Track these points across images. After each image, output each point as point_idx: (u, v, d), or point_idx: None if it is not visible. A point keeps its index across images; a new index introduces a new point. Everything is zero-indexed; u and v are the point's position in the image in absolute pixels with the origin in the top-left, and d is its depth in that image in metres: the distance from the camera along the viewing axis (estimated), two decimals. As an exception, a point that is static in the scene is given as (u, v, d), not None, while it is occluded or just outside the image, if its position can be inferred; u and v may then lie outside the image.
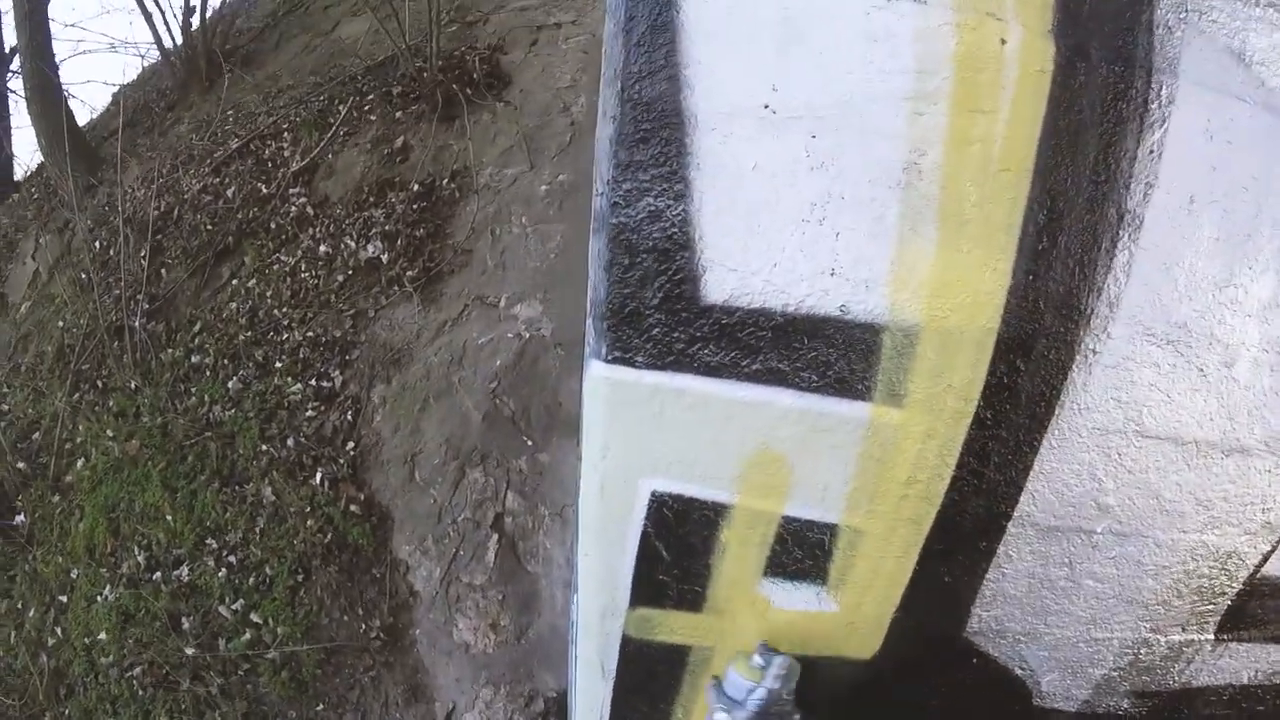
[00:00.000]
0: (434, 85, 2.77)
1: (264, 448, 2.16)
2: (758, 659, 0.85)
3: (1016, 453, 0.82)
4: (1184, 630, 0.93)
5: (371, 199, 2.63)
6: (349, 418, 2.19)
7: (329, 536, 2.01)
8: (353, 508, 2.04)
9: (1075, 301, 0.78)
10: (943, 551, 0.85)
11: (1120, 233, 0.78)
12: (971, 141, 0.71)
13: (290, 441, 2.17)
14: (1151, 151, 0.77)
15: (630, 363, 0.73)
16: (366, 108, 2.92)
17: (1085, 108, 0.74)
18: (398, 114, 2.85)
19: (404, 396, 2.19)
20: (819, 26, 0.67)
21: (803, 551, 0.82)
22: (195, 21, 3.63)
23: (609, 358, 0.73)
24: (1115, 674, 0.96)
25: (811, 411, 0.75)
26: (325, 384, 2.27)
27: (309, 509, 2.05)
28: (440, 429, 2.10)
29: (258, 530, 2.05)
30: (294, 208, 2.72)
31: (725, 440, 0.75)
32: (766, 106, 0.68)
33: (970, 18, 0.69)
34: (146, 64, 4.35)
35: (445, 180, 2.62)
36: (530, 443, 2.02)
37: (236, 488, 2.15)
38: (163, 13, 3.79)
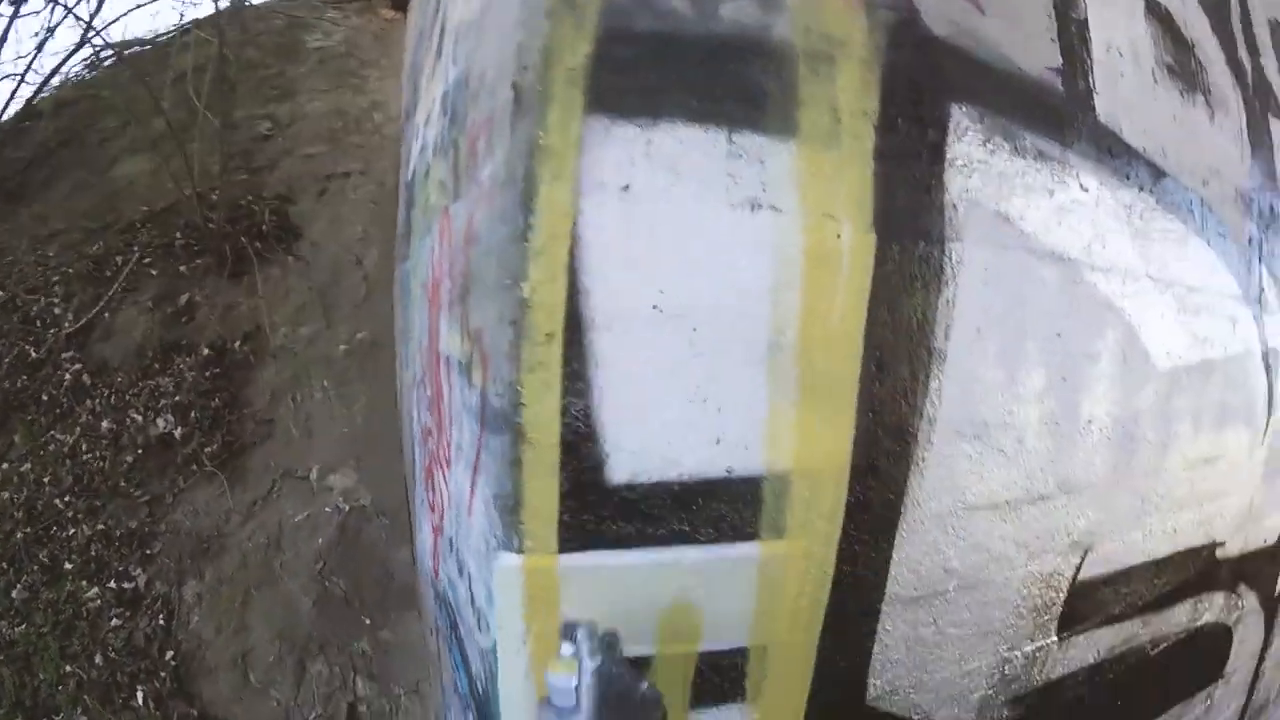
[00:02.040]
0: (220, 237, 2.53)
1: (68, 669, 1.79)
2: (566, 647, 0.73)
3: (877, 549, 0.98)
4: (1032, 640, 1.15)
5: (157, 365, 2.33)
6: (161, 622, 1.88)
7: (165, 761, 1.66)
8: (187, 725, 1.71)
9: (905, 426, 0.96)
10: (834, 642, 0.99)
11: (931, 366, 0.98)
12: (817, 319, 0.85)
13: (98, 658, 1.81)
14: (947, 302, 0.98)
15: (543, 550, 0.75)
16: (147, 260, 2.54)
17: (899, 279, 0.93)
18: (181, 268, 2.55)
19: (221, 591, 1.94)
20: (698, 237, 0.78)
21: (721, 677, 0.90)
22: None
23: (521, 549, 0.74)
24: (990, 692, 1.14)
25: (713, 560, 0.83)
26: (127, 585, 1.93)
27: (137, 733, 1.68)
28: (268, 622, 1.88)
29: (79, 766, 1.65)
30: (68, 375, 2.31)
31: (641, 602, 0.80)
32: (655, 307, 0.75)
33: (814, 220, 0.84)
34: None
35: (238, 342, 2.39)
36: (369, 621, 1.88)
37: (45, 720, 1.69)
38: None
